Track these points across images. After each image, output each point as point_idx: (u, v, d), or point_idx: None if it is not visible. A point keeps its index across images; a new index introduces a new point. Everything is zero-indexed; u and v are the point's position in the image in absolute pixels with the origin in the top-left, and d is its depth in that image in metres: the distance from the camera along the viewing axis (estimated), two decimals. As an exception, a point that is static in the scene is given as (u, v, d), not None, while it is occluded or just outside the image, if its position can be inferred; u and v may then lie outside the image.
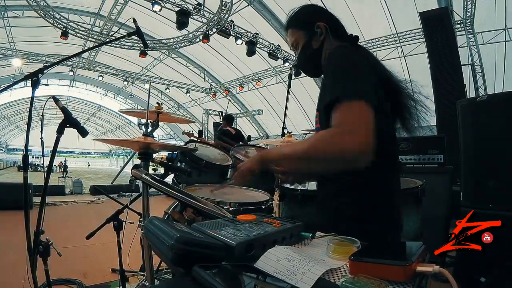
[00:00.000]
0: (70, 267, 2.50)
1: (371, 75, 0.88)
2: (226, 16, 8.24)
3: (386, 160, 0.93)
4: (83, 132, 1.51)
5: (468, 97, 5.17)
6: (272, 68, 11.92)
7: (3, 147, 37.95)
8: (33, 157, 13.72)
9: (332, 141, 0.76)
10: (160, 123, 1.93)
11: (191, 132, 4.15)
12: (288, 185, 1.59)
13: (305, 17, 1.06)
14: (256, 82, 12.53)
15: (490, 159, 2.10)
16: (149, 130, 1.54)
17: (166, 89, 14.84)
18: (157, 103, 1.80)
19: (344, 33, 1.05)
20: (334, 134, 0.77)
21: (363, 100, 0.78)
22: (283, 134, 2.84)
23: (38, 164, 14.28)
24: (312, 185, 1.33)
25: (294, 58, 9.56)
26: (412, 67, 8.81)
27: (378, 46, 8.72)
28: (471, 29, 7.15)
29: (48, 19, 8.17)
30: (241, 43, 8.85)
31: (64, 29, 8.33)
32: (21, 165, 1.57)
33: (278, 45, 9.87)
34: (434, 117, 5.18)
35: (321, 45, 1.03)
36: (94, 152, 52.76)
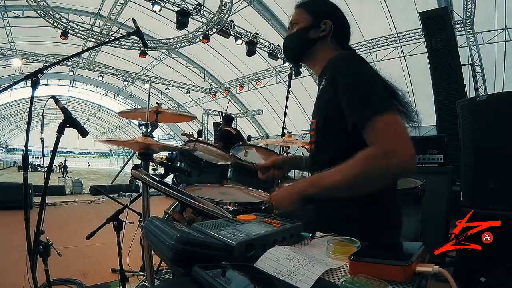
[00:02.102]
0: (70, 267, 2.50)
1: (383, 85, 0.88)
2: (226, 16, 8.24)
3: None
4: (83, 132, 1.51)
5: (468, 97, 5.17)
6: (272, 68, 11.92)
7: (3, 147, 37.95)
8: (33, 157, 13.73)
9: (380, 163, 0.74)
10: (160, 123, 1.92)
11: (190, 133, 4.15)
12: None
13: (320, 7, 1.05)
14: (256, 82, 12.53)
15: (490, 159, 2.10)
16: (148, 130, 1.54)
17: (166, 89, 14.84)
18: (156, 103, 1.80)
19: (346, 42, 1.05)
20: (380, 154, 0.75)
21: (393, 112, 0.78)
22: (283, 134, 2.84)
23: (38, 164, 14.28)
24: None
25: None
26: (412, 67, 8.81)
27: (378, 46, 8.71)
28: (471, 29, 7.14)
29: (48, 19, 8.17)
30: (241, 43, 8.85)
31: (64, 29, 8.33)
32: (21, 165, 1.57)
33: (278, 45, 9.86)
34: (433, 117, 5.19)
35: (316, 39, 1.02)
36: (94, 152, 52.77)
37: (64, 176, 12.68)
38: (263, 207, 1.44)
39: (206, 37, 8.70)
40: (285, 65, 10.79)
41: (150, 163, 1.45)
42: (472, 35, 7.20)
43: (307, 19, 1.03)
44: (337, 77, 0.89)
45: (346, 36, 1.06)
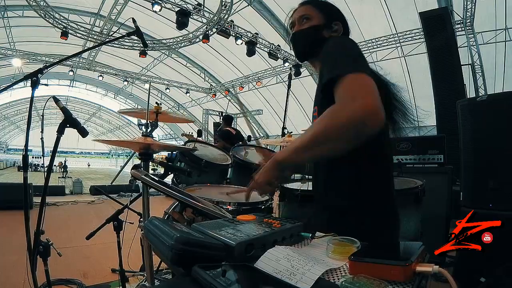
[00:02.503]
0: (70, 267, 2.51)
1: (359, 53, 0.87)
2: (226, 16, 8.25)
3: (381, 158, 0.94)
4: (83, 132, 1.51)
5: (468, 97, 5.17)
6: (272, 68, 11.92)
7: (3, 147, 37.93)
8: (33, 157, 13.73)
9: (339, 116, 0.72)
10: (160, 123, 1.92)
11: (190, 133, 4.14)
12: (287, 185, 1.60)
13: (330, 9, 1.05)
14: (256, 82, 12.54)
15: (490, 159, 2.10)
16: (148, 130, 1.54)
17: (166, 89, 14.84)
18: (156, 103, 1.80)
19: None
20: (340, 106, 0.73)
21: (364, 73, 0.76)
22: (283, 134, 2.84)
23: (38, 164, 14.28)
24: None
25: (294, 58, 9.57)
26: (412, 67, 8.82)
27: (378, 46, 8.71)
28: (471, 29, 7.15)
29: (48, 19, 8.17)
30: (241, 43, 8.85)
31: (64, 29, 8.34)
32: (21, 165, 1.57)
33: (278, 45, 9.87)
34: (433, 117, 5.19)
35: (326, 39, 1.01)
36: (94, 152, 52.76)
37: (64, 176, 12.67)
38: (263, 207, 1.44)
39: (206, 37, 8.70)
40: (285, 65, 10.79)
41: (150, 163, 1.45)
42: (472, 35, 7.20)
43: (319, 17, 1.02)
44: (322, 57, 0.91)
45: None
